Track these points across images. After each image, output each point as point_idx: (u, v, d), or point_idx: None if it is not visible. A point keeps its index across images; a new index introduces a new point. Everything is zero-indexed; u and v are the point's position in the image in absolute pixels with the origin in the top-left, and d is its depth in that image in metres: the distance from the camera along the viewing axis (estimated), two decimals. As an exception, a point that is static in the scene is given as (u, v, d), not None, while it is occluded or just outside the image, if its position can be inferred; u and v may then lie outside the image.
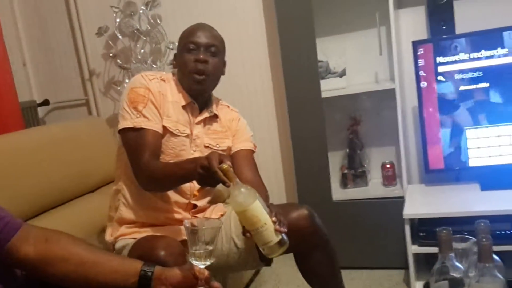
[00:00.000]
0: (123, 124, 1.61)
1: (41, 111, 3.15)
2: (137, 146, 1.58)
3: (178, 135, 1.66)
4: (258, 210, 1.29)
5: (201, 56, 1.63)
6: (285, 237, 1.33)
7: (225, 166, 1.30)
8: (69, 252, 1.09)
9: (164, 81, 1.70)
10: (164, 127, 1.63)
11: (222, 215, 1.75)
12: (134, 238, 1.62)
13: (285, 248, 1.34)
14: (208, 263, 1.11)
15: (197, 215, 1.73)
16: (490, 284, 1.05)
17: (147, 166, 1.55)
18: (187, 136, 1.68)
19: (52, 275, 1.08)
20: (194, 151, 1.70)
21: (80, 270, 1.09)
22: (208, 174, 1.33)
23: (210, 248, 1.11)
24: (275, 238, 1.31)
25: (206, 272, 1.09)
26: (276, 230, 1.31)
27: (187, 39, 1.67)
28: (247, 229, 1.33)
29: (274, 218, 1.32)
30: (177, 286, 1.10)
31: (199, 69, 1.64)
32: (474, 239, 1.19)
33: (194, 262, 1.11)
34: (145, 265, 1.12)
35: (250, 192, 1.30)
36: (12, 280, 1.11)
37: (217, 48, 1.68)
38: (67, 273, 1.08)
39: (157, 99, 1.63)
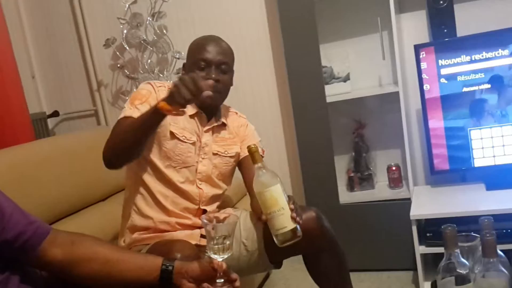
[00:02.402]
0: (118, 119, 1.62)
1: (51, 122, 3.20)
2: (116, 129, 1.57)
3: (185, 142, 1.68)
4: (278, 193, 1.34)
5: (213, 76, 1.65)
6: (299, 229, 1.37)
7: (253, 146, 1.35)
8: (94, 252, 1.14)
9: None
10: (171, 132, 1.66)
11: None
12: (147, 244, 1.65)
13: (297, 239, 1.37)
14: (226, 256, 1.15)
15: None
16: (495, 278, 1.08)
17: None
18: (193, 143, 1.70)
19: (78, 275, 1.12)
20: (203, 158, 1.72)
21: (106, 268, 1.13)
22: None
23: (228, 242, 1.15)
24: (290, 225, 1.35)
25: (225, 265, 1.13)
26: (292, 218, 1.34)
27: (199, 56, 1.68)
28: (264, 212, 1.36)
29: (292, 206, 1.35)
30: (197, 279, 1.14)
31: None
32: (479, 236, 1.21)
33: (213, 256, 1.14)
34: (166, 260, 1.16)
35: (274, 175, 1.35)
36: (39, 281, 1.15)
37: (228, 65, 1.70)
38: (93, 272, 1.12)
39: None
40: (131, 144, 1.51)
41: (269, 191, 1.34)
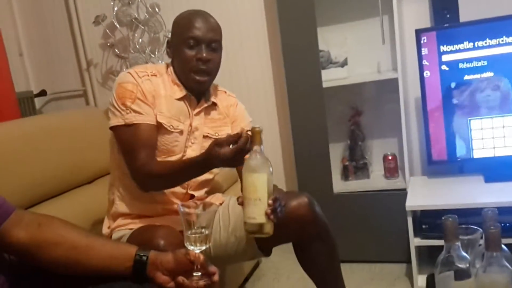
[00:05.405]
0: (113, 122, 1.56)
1: (38, 102, 3.12)
2: (131, 145, 1.53)
3: (172, 131, 1.61)
4: (261, 183, 1.26)
5: (204, 55, 1.57)
6: (269, 227, 1.29)
7: (257, 128, 1.26)
8: (61, 236, 1.06)
9: (156, 75, 1.63)
10: (159, 123, 1.58)
11: (220, 204, 1.71)
12: (131, 229, 1.59)
13: (262, 235, 1.30)
14: (203, 248, 1.07)
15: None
16: (498, 274, 1.01)
17: (144, 167, 1.50)
18: (180, 132, 1.62)
19: (44, 259, 1.05)
20: (192, 143, 1.65)
21: (72, 254, 1.05)
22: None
23: (206, 232, 1.07)
24: (260, 218, 1.27)
25: (202, 257, 1.05)
26: (266, 213, 1.26)
27: (187, 33, 1.59)
28: (242, 195, 1.30)
29: (270, 202, 1.27)
30: (172, 271, 1.06)
31: (201, 68, 1.59)
32: (480, 229, 1.15)
33: (189, 247, 1.07)
34: (140, 250, 1.09)
35: (265, 163, 1.27)
36: (3, 265, 1.08)
37: (218, 43, 1.63)
38: (59, 258, 1.05)
39: (147, 97, 1.57)
40: (181, 183, 1.60)
41: (252, 177, 1.26)
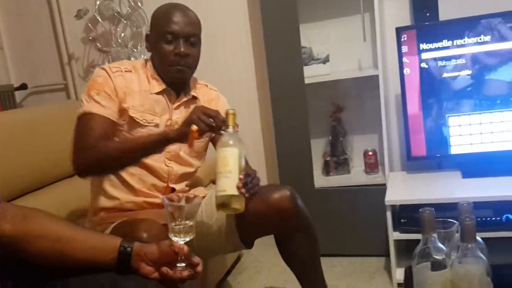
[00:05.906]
0: (77, 113, 1.55)
1: (18, 95, 3.08)
2: (83, 129, 1.51)
3: (146, 125, 1.60)
4: (232, 156, 1.32)
5: (182, 50, 1.57)
6: (240, 203, 1.33)
7: (231, 111, 1.33)
8: (46, 229, 1.06)
9: (131, 71, 1.63)
10: (131, 117, 1.58)
11: (203, 197, 1.72)
12: (113, 222, 1.59)
13: (232, 211, 1.34)
14: (187, 239, 1.08)
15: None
16: (473, 264, 1.04)
17: (94, 146, 1.46)
18: (156, 125, 1.62)
19: (29, 252, 1.05)
20: None
21: (57, 246, 1.05)
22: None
23: (190, 223, 1.08)
24: (231, 191, 1.32)
25: (186, 248, 1.07)
26: (237, 187, 1.31)
27: (165, 28, 1.58)
28: (215, 171, 1.34)
29: (241, 176, 1.31)
30: (156, 262, 1.08)
31: (179, 63, 1.59)
32: (456, 222, 1.18)
33: (174, 238, 1.08)
34: (124, 241, 1.09)
35: (238, 141, 1.33)
36: None
37: (196, 37, 1.63)
38: (44, 250, 1.05)
39: (118, 92, 1.56)
40: (126, 163, 1.53)
41: (223, 150, 1.32)
